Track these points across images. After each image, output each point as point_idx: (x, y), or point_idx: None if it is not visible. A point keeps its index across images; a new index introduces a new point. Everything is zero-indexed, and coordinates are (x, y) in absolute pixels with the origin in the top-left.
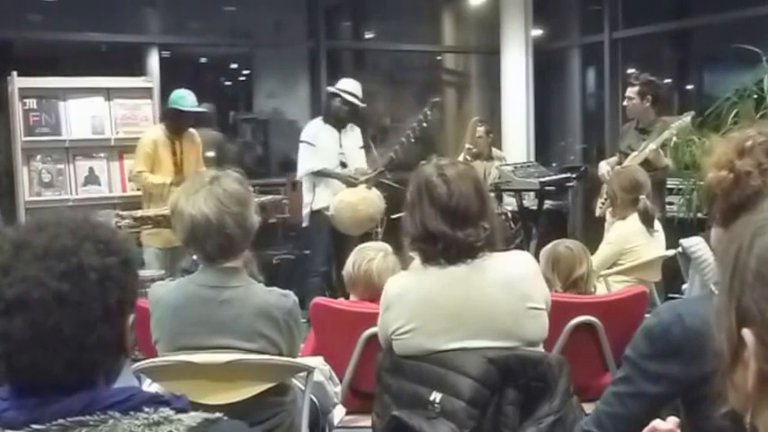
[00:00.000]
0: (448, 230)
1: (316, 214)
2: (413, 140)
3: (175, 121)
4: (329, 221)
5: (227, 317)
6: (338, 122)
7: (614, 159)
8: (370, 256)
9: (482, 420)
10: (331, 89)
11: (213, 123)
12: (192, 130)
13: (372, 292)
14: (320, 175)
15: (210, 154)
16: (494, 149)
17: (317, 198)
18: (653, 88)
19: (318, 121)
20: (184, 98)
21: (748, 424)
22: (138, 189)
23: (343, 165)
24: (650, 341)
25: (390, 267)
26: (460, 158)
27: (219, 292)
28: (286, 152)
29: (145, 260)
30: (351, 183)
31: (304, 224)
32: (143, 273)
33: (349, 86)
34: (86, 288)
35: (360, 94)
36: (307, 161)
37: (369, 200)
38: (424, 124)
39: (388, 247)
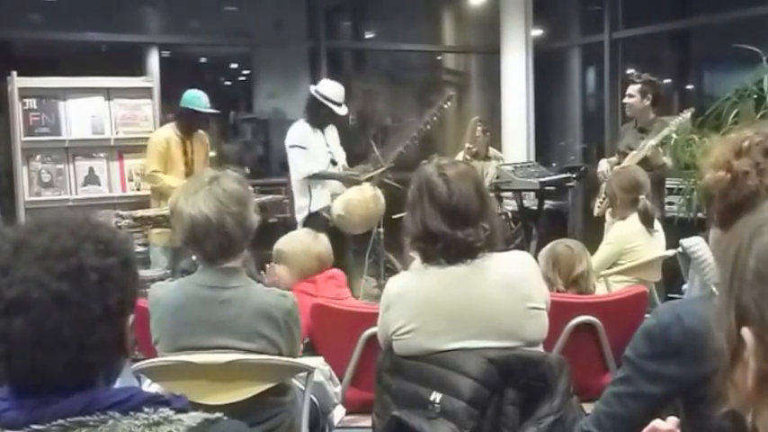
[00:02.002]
0: (448, 230)
1: (313, 217)
2: (425, 130)
3: (189, 121)
4: (326, 223)
5: (226, 317)
6: (319, 125)
7: (614, 159)
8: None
9: (482, 420)
10: (317, 96)
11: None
12: (200, 131)
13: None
14: (318, 177)
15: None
16: (491, 149)
17: (315, 200)
18: (654, 88)
19: (303, 123)
20: (199, 99)
21: (749, 423)
22: (138, 189)
23: (333, 163)
24: (650, 341)
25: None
26: (459, 157)
27: (219, 293)
28: (286, 152)
29: (151, 258)
30: (355, 181)
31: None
32: (144, 273)
33: (335, 94)
34: (86, 288)
35: (342, 98)
36: (302, 164)
37: (377, 197)
38: (435, 118)
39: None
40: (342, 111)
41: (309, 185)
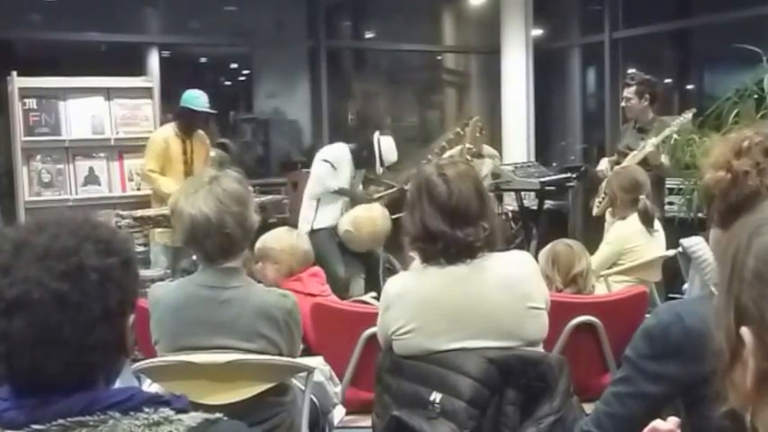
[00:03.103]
0: (447, 230)
1: (315, 234)
2: (447, 147)
3: (187, 121)
4: (331, 240)
5: (226, 317)
6: (360, 166)
7: (614, 159)
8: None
9: (482, 420)
10: (378, 146)
11: (225, 148)
12: (200, 131)
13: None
14: (338, 193)
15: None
16: (486, 147)
17: (320, 217)
18: (650, 87)
19: (347, 149)
20: (198, 98)
21: (748, 423)
22: (139, 188)
23: None
24: (650, 341)
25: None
26: (451, 153)
27: (219, 293)
28: (286, 152)
29: (152, 256)
30: (366, 200)
31: None
32: (144, 273)
33: (389, 157)
34: (87, 288)
35: (390, 162)
36: (329, 180)
37: (385, 216)
38: (452, 137)
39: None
40: (379, 169)
41: (318, 202)
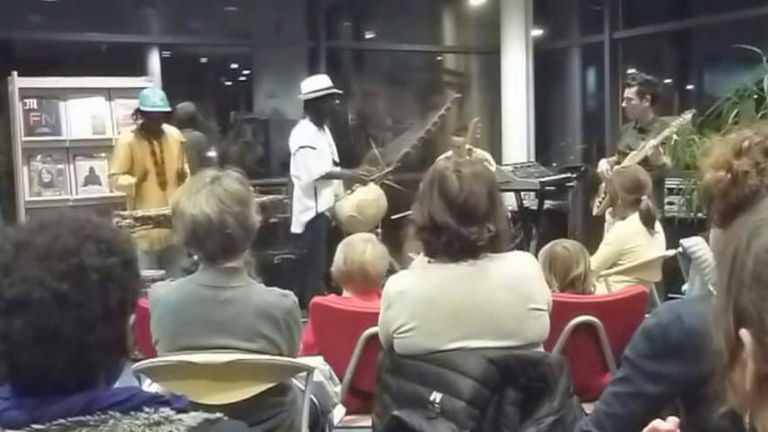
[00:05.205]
0: (453, 224)
1: (319, 218)
2: (433, 131)
3: (143, 121)
4: (329, 223)
5: (227, 317)
6: (324, 121)
7: (614, 159)
8: (360, 248)
9: (482, 420)
10: (315, 94)
11: (195, 123)
12: (170, 129)
13: (368, 284)
14: (329, 177)
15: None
16: (476, 150)
17: (322, 201)
18: (651, 87)
19: (308, 123)
20: (147, 97)
21: (747, 424)
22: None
23: (335, 162)
24: (649, 341)
25: (381, 255)
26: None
27: (220, 292)
28: (286, 152)
29: None
30: (363, 181)
31: (298, 230)
32: (143, 273)
33: (326, 83)
34: (87, 288)
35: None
36: (316, 166)
37: (383, 196)
38: (441, 119)
39: (372, 236)
40: (338, 90)
41: (316, 186)
